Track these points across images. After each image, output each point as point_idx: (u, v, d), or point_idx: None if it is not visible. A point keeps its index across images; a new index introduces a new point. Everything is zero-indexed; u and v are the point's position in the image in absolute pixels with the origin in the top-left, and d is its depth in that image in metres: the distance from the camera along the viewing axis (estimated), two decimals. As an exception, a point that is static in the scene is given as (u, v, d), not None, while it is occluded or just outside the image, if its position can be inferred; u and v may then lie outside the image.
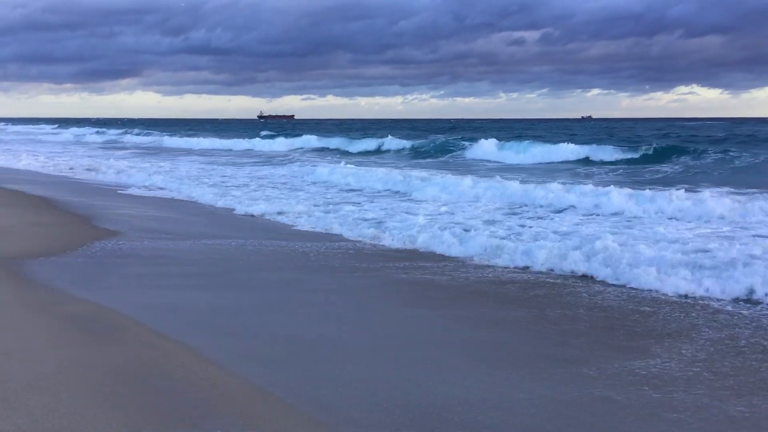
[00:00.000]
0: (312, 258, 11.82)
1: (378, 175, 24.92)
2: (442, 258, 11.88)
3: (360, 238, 13.67)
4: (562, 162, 34.98)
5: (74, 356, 6.37)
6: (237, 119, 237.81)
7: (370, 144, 50.64)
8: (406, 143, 48.35)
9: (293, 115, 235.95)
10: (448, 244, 12.38)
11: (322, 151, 50.48)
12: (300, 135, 62.75)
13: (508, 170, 31.33)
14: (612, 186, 18.74)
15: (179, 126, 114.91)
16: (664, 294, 9.34)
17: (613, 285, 9.91)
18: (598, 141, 43.54)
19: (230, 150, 54.59)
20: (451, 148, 44.57)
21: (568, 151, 36.71)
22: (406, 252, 12.40)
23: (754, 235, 12.84)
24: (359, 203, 19.07)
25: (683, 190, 17.61)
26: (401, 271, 10.88)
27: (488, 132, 70.66)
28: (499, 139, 44.12)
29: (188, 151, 52.69)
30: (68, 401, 5.36)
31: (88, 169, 30.99)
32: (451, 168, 32.68)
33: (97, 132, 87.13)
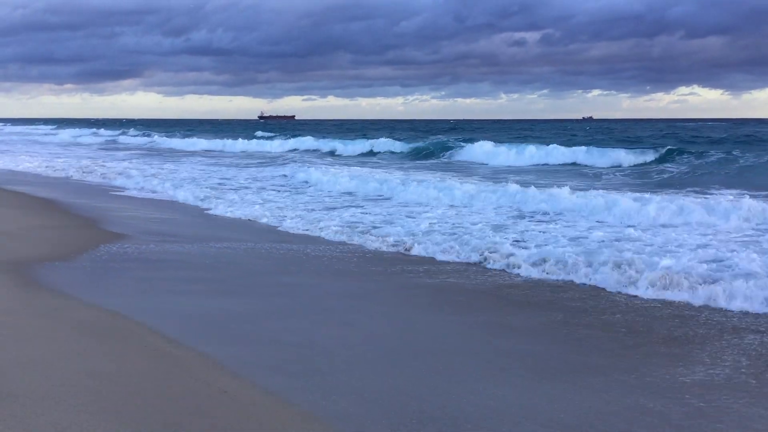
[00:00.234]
0: (325, 262, 11.63)
1: (374, 178, 24.34)
2: (449, 263, 11.59)
3: (362, 242, 13.40)
4: (563, 164, 34.54)
5: (87, 366, 6.12)
6: (238, 120, 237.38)
7: (364, 146, 50.00)
8: (403, 146, 47.74)
9: (294, 116, 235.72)
10: (457, 250, 12.13)
11: (316, 152, 49.75)
12: (296, 136, 62.15)
13: (515, 172, 31.09)
14: (627, 191, 18.56)
15: (179, 127, 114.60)
16: (696, 303, 9.01)
17: (640, 293, 9.57)
18: (599, 142, 43.38)
19: (222, 151, 53.91)
20: (445, 150, 43.78)
21: (571, 153, 36.37)
22: (417, 258, 12.08)
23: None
24: (360, 206, 18.71)
25: (693, 194, 17.38)
26: (414, 276, 10.68)
27: (488, 133, 70.48)
28: (499, 140, 43.79)
29: (183, 153, 51.95)
30: (81, 415, 5.13)
31: (85, 171, 30.70)
32: (448, 171, 32.20)
33: (93, 133, 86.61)
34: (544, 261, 11.03)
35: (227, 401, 5.57)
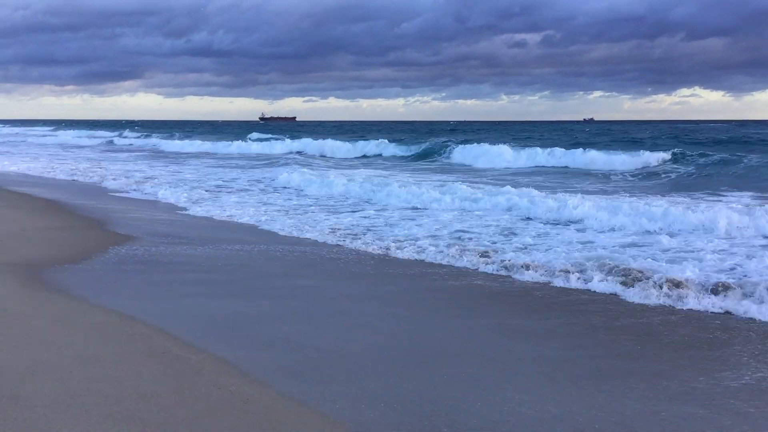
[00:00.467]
0: (332, 264, 11.50)
1: (371, 182, 23.67)
2: (456, 268, 11.32)
3: (361, 245, 13.19)
4: (565, 167, 34.22)
5: (100, 371, 5.94)
6: (238, 121, 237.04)
7: (360, 148, 49.63)
8: (400, 149, 47.40)
9: (295, 117, 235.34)
10: (465, 254, 11.93)
11: (311, 155, 49.00)
12: (293, 138, 61.64)
13: (519, 174, 30.87)
14: (638, 194, 18.31)
15: (178, 128, 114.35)
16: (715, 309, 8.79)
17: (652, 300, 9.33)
18: (601, 144, 43.09)
19: (216, 153, 53.19)
20: (442, 152, 43.48)
21: (574, 155, 36.07)
22: (428, 264, 11.78)
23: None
24: (361, 211, 18.38)
25: (706, 197, 17.13)
26: (421, 278, 10.53)
27: (489, 134, 70.31)
28: (501, 142, 43.48)
29: (174, 155, 51.36)
30: (96, 421, 4.96)
31: (82, 173, 30.54)
32: (452, 173, 31.98)
33: (90, 135, 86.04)
34: (554, 266, 10.86)
35: (246, 407, 5.40)
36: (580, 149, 36.96)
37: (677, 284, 9.36)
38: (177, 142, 65.14)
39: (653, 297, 9.13)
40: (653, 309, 8.76)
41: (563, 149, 37.80)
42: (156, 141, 68.86)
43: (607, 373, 6.45)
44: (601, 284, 9.81)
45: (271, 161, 40.92)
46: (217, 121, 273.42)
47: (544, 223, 15.37)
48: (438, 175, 30.65)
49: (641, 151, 34.37)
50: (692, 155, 32.37)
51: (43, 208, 17.40)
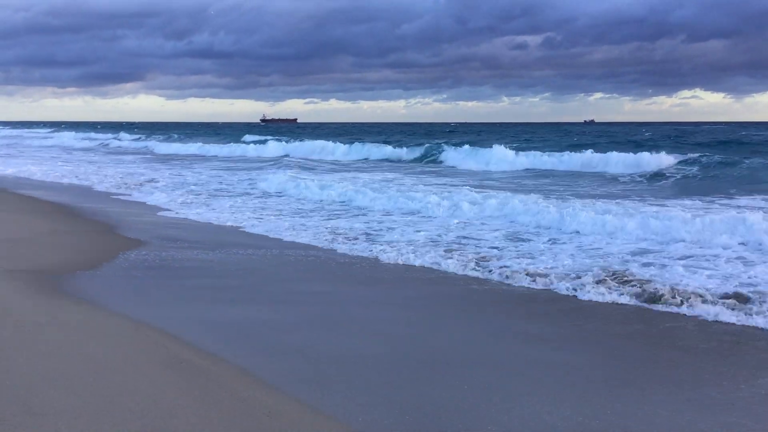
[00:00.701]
0: (345, 270, 11.40)
1: (366, 187, 22.77)
2: (462, 274, 11.10)
3: (357, 250, 13.01)
4: (570, 171, 33.87)
5: (118, 382, 5.77)
6: (240, 123, 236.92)
7: (356, 150, 49.26)
8: (395, 152, 46.92)
9: (296, 119, 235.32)
10: (474, 263, 11.67)
11: (301, 157, 47.78)
12: (287, 141, 61.17)
13: (526, 177, 30.67)
14: (649, 198, 18.05)
15: (179, 130, 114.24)
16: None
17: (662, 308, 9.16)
18: (604, 146, 42.73)
19: (215, 156, 52.76)
20: (440, 155, 42.91)
21: (578, 157, 35.74)
22: (432, 270, 11.60)
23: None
24: (362, 216, 18.07)
25: (719, 200, 16.93)
26: (434, 285, 10.38)
27: (489, 136, 70.06)
28: (502, 144, 43.18)
29: (167, 157, 51.01)
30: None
31: (76, 176, 30.42)
32: (455, 176, 31.69)
33: (88, 137, 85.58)
34: (565, 272, 10.72)
35: (271, 421, 5.25)
36: (586, 151, 36.62)
37: (690, 294, 9.19)
38: (171, 144, 64.87)
39: (664, 304, 8.99)
40: (664, 315, 8.63)
41: (567, 152, 37.52)
42: (150, 143, 68.48)
43: (623, 379, 6.34)
44: (611, 291, 9.65)
45: (261, 164, 40.44)
46: (218, 123, 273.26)
47: (548, 229, 15.05)
48: (442, 178, 30.39)
49: (645, 152, 34.07)
50: (697, 157, 32.16)
51: (46, 211, 17.27)
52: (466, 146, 43.50)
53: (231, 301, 8.99)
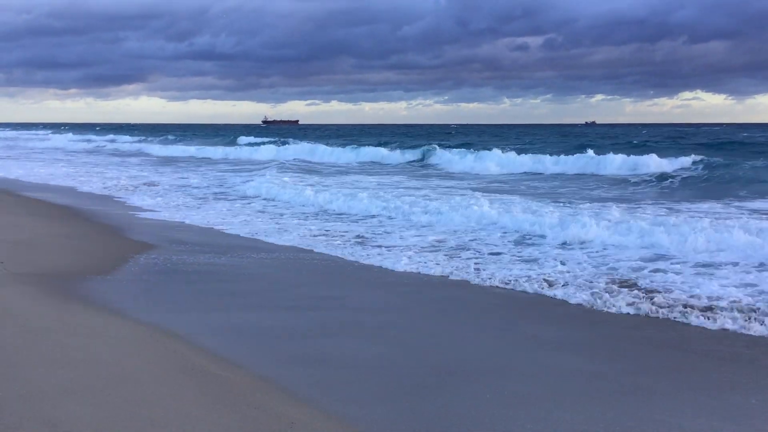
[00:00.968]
0: (352, 274, 11.30)
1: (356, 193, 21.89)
2: (470, 281, 10.81)
3: (374, 258, 12.86)
4: (572, 173, 33.34)
5: (138, 392, 5.58)
6: (241, 124, 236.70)
7: (353, 152, 48.65)
8: (391, 155, 46.18)
9: (297, 121, 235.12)
10: (487, 271, 11.36)
11: (292, 160, 46.79)
12: (283, 143, 60.60)
13: (533, 180, 30.26)
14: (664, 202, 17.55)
15: (180, 131, 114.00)
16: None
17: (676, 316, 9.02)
18: (607, 148, 42.25)
19: (209, 158, 51.60)
20: (438, 157, 42.25)
21: (584, 159, 35.11)
22: (437, 276, 11.40)
23: None
24: (341, 220, 17.83)
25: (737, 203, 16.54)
26: (432, 289, 10.18)
27: (491, 137, 69.74)
28: (503, 146, 42.73)
29: (166, 160, 49.91)
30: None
31: (55, 177, 30.22)
32: (453, 180, 31.39)
33: (81, 140, 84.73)
34: (576, 278, 10.49)
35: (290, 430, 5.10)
36: (587, 152, 36.12)
37: (711, 303, 9.04)
38: (167, 147, 64.41)
39: (683, 314, 8.74)
40: (684, 326, 8.42)
41: (571, 154, 37.09)
42: (146, 146, 68.01)
43: (646, 387, 6.20)
44: (627, 298, 9.39)
45: (254, 167, 39.75)
46: (220, 124, 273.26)
47: (560, 231, 14.46)
48: (446, 181, 30.12)
49: (652, 154, 33.65)
50: (701, 159, 31.76)
51: (56, 214, 17.11)
52: (462, 150, 42.97)
53: (243, 307, 8.85)
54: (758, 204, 18.78)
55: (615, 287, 9.99)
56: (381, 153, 47.32)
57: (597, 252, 12.57)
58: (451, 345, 7.46)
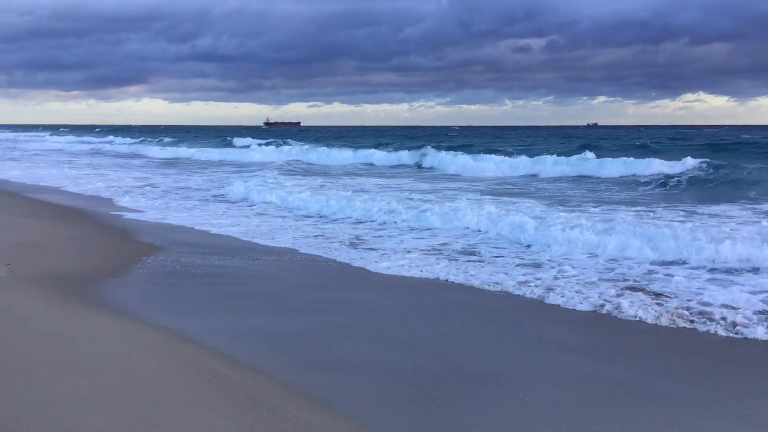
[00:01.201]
0: (358, 277, 11.11)
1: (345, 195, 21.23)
2: (472, 288, 10.53)
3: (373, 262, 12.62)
4: (580, 176, 32.76)
5: (153, 399, 5.40)
6: (243, 126, 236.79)
7: (350, 154, 48.02)
8: (391, 158, 45.29)
9: (299, 122, 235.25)
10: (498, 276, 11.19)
11: (286, 162, 45.98)
12: (280, 144, 60.20)
13: (543, 181, 29.74)
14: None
15: (181, 133, 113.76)
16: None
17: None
18: (611, 151, 41.75)
19: (202, 160, 50.60)
20: (431, 160, 41.28)
21: (589, 162, 34.53)
22: (441, 281, 11.14)
23: None
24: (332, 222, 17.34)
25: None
26: (447, 294, 9.93)
27: (494, 139, 69.32)
28: (505, 147, 42.06)
29: (162, 161, 49.33)
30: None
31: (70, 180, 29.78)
32: (457, 182, 30.91)
33: (78, 142, 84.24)
34: (589, 283, 10.24)
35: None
36: (585, 154, 35.65)
37: (734, 311, 8.74)
38: (162, 149, 63.71)
39: (701, 320, 8.52)
40: (701, 333, 8.18)
41: (573, 155, 36.59)
42: (142, 148, 67.35)
43: (672, 395, 6.06)
44: (645, 305, 9.11)
45: (240, 169, 39.07)
46: (222, 126, 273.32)
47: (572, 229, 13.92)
48: (449, 183, 29.78)
49: (653, 158, 33.06)
50: (708, 161, 31.29)
51: (61, 215, 16.93)
52: (459, 152, 42.35)
53: (257, 310, 8.69)
54: (768, 205, 18.47)
55: (628, 292, 9.76)
56: (377, 155, 46.73)
57: (609, 257, 12.19)
58: (469, 350, 7.26)
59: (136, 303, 8.83)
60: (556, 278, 10.65)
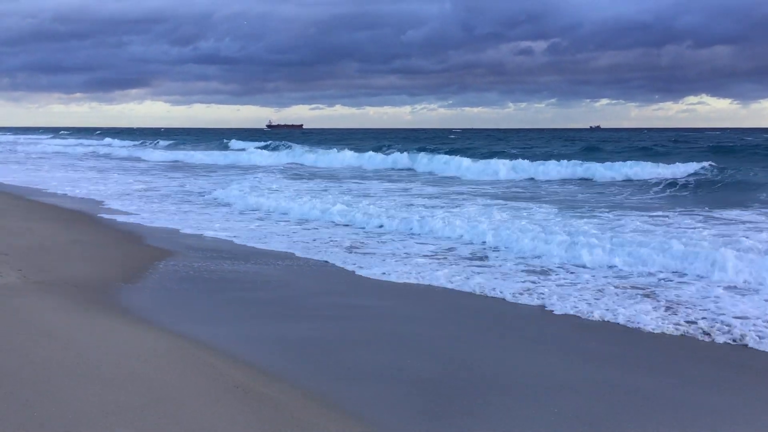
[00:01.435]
0: (365, 281, 11.00)
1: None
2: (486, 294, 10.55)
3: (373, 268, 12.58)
4: (583, 179, 32.61)
5: (178, 412, 5.24)
6: (245, 129, 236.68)
7: (348, 156, 47.58)
8: (388, 160, 44.83)
9: (302, 125, 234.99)
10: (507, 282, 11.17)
11: (283, 164, 46.51)
12: (276, 148, 60.00)
13: (545, 184, 29.63)
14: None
15: (183, 135, 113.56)
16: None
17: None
18: (614, 154, 41.63)
19: (199, 164, 49.66)
20: (440, 161, 40.66)
21: (595, 165, 34.17)
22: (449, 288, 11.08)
23: None
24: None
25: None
26: (456, 300, 9.82)
27: (498, 141, 69.16)
28: (508, 149, 41.79)
29: (156, 164, 48.72)
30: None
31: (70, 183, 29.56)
32: (455, 185, 30.72)
33: (77, 144, 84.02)
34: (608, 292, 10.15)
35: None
36: (592, 157, 35.49)
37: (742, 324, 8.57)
38: (158, 152, 63.20)
39: (721, 330, 8.38)
40: (721, 344, 8.05)
41: (576, 158, 36.40)
42: (140, 150, 67.13)
43: (708, 405, 5.98)
44: (666, 318, 8.99)
45: (230, 173, 38.41)
46: (224, 128, 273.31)
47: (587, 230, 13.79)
48: (452, 187, 29.54)
49: (659, 160, 32.89)
50: (715, 164, 31.13)
51: (69, 218, 16.87)
52: (456, 155, 42.12)
53: (275, 316, 8.59)
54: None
55: (643, 300, 9.60)
56: (376, 158, 46.18)
57: (624, 264, 11.85)
58: (497, 360, 7.09)
59: (153, 310, 8.70)
60: (565, 286, 10.44)
